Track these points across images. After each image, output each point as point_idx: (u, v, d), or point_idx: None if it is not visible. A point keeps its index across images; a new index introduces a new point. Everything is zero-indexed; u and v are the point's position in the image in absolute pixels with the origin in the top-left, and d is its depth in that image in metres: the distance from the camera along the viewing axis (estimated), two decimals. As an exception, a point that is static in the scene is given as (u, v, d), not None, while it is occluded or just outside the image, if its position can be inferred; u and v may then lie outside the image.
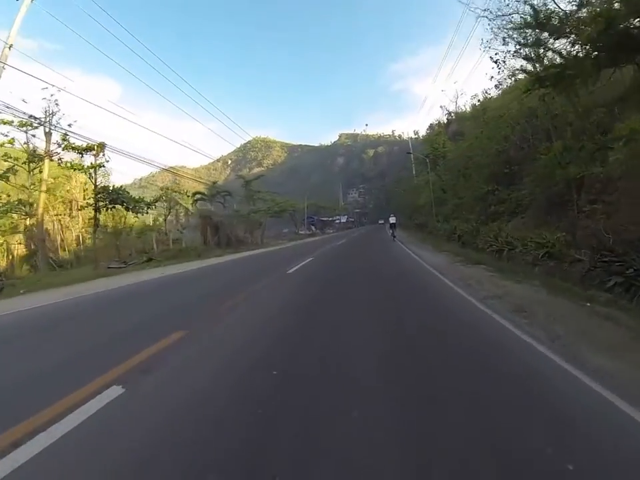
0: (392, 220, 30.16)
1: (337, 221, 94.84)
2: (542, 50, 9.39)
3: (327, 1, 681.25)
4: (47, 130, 18.64)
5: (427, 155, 36.81)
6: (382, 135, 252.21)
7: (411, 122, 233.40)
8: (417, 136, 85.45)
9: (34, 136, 19.93)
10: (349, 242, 30.29)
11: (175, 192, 33.59)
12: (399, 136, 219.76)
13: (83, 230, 26.94)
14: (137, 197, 22.01)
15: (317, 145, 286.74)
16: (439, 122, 65.13)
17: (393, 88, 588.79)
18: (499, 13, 10.60)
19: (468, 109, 50.99)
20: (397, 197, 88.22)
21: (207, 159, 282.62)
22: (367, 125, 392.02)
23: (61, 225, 25.48)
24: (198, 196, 35.88)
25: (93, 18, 79.31)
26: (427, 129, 73.62)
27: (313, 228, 66.14)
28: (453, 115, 59.12)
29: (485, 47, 12.32)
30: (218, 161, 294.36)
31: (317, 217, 75.04)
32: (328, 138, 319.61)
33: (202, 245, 30.23)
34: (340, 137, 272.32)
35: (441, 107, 59.30)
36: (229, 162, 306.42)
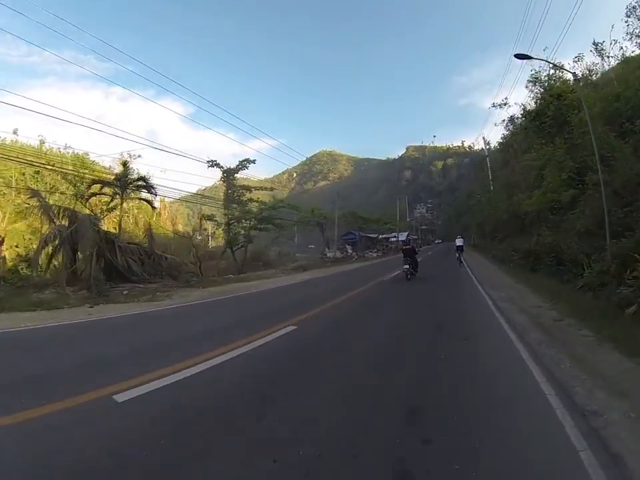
0: (459, 242, 26.54)
1: (394, 239, 70.11)
2: None
3: (394, 17, 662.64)
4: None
5: (550, 101, 17.17)
6: (451, 146, 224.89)
7: (479, 135, 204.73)
8: (489, 146, 61.64)
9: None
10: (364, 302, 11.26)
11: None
12: (470, 147, 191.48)
13: None
14: None
15: (384, 158, 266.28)
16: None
17: (460, 102, 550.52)
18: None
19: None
20: (470, 211, 65.73)
21: (272, 172, 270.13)
22: (434, 136, 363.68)
23: None
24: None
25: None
26: (504, 132, 50.17)
27: (349, 249, 45.66)
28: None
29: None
30: (283, 173, 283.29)
31: (361, 233, 54.48)
32: (395, 152, 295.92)
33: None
34: (407, 149, 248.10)
35: (527, 86, 36.64)
36: (295, 175, 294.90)
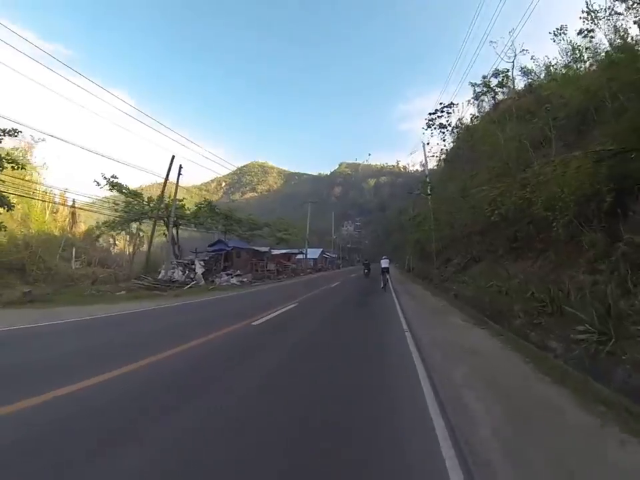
0: (384, 264, 21.04)
1: (300, 256, 53.22)
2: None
3: (350, 39, 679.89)
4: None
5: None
6: (385, 165, 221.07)
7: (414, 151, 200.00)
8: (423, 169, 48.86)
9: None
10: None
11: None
12: (404, 167, 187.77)
13: None
14: None
15: (315, 174, 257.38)
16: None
17: (400, 128, 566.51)
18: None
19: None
20: (404, 228, 53.07)
21: (201, 179, 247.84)
22: (369, 154, 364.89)
23: None
24: None
25: None
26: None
27: (198, 267, 25.16)
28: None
29: None
30: (212, 181, 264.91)
31: (235, 245, 33.31)
32: (328, 169, 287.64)
33: None
34: (340, 165, 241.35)
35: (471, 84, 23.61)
36: (223, 184, 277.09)
